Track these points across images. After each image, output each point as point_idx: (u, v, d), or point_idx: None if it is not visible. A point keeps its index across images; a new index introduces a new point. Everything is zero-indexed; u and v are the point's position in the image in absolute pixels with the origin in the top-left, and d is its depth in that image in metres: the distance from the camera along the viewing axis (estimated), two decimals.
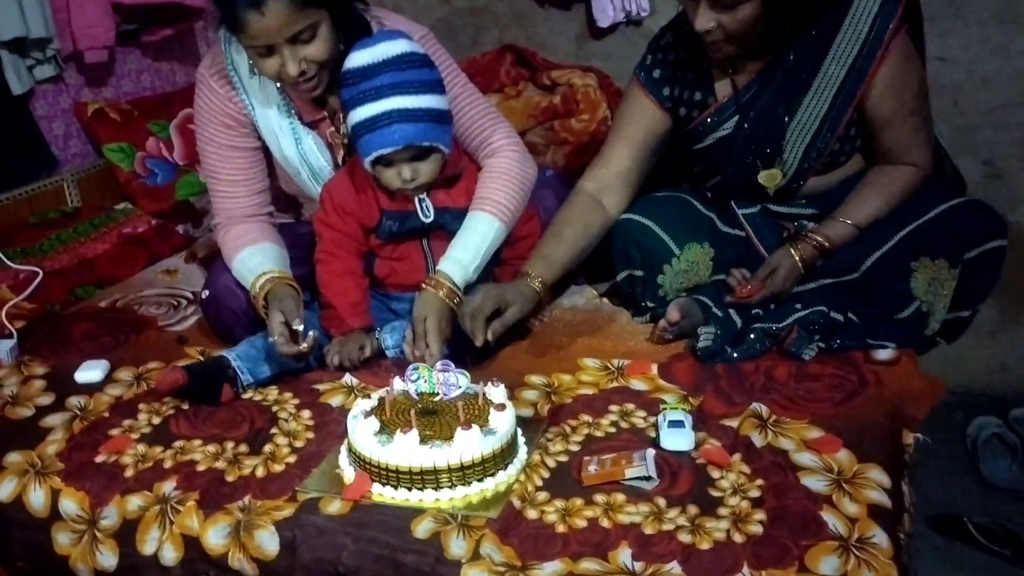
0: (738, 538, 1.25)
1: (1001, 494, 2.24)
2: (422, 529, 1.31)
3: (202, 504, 1.42)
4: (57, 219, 2.49)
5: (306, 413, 1.65)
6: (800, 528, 1.25)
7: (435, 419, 1.44)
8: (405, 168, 1.66)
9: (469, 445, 1.37)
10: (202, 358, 1.86)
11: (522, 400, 1.63)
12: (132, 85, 2.87)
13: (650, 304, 1.88)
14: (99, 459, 1.56)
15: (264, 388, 1.74)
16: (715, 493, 1.35)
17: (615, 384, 1.68)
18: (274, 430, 1.60)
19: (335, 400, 1.68)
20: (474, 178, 1.84)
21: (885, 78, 1.74)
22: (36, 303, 2.17)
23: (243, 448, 1.56)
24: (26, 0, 2.35)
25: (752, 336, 1.71)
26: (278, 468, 1.49)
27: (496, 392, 1.48)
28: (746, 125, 1.83)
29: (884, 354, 1.67)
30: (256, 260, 1.79)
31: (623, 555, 1.24)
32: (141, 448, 1.57)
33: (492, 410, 1.44)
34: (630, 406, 1.60)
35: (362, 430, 1.41)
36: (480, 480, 1.39)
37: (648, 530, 1.28)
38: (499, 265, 1.88)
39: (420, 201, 1.76)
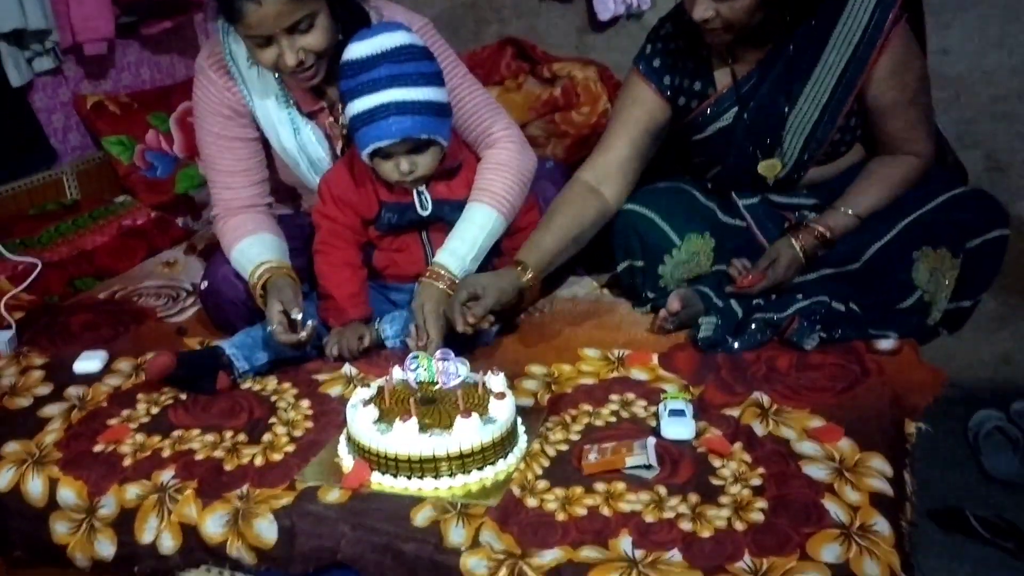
0: (739, 526, 1.24)
1: (1003, 487, 2.23)
2: (421, 517, 1.31)
3: (200, 493, 1.42)
4: (56, 211, 2.49)
5: (305, 403, 1.64)
6: (801, 516, 1.25)
7: (434, 408, 1.43)
8: (403, 161, 1.66)
9: (468, 433, 1.37)
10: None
11: (522, 390, 1.63)
12: (131, 78, 2.86)
13: (651, 295, 1.87)
14: (97, 448, 1.55)
15: (263, 378, 1.73)
16: (716, 481, 1.34)
17: (616, 374, 1.67)
18: (273, 419, 1.60)
19: (334, 390, 1.68)
20: (474, 170, 1.83)
21: (885, 67, 1.74)
22: (35, 294, 2.16)
23: (242, 437, 1.55)
24: None
25: (753, 326, 1.70)
26: (277, 457, 1.49)
27: (496, 381, 1.47)
28: (746, 115, 1.83)
29: (886, 344, 1.66)
30: (255, 250, 1.79)
31: (623, 543, 1.23)
32: (139, 437, 1.57)
33: (492, 399, 1.43)
34: (631, 396, 1.59)
35: (361, 419, 1.41)
36: (480, 469, 1.38)
37: (649, 518, 1.27)
38: (499, 256, 1.87)
39: (418, 194, 1.75)
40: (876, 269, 1.73)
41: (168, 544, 1.40)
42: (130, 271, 2.37)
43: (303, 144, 1.84)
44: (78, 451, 1.55)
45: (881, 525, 1.22)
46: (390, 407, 1.44)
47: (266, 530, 1.35)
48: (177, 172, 2.74)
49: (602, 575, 1.18)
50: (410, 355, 1.47)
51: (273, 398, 1.67)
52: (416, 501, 1.34)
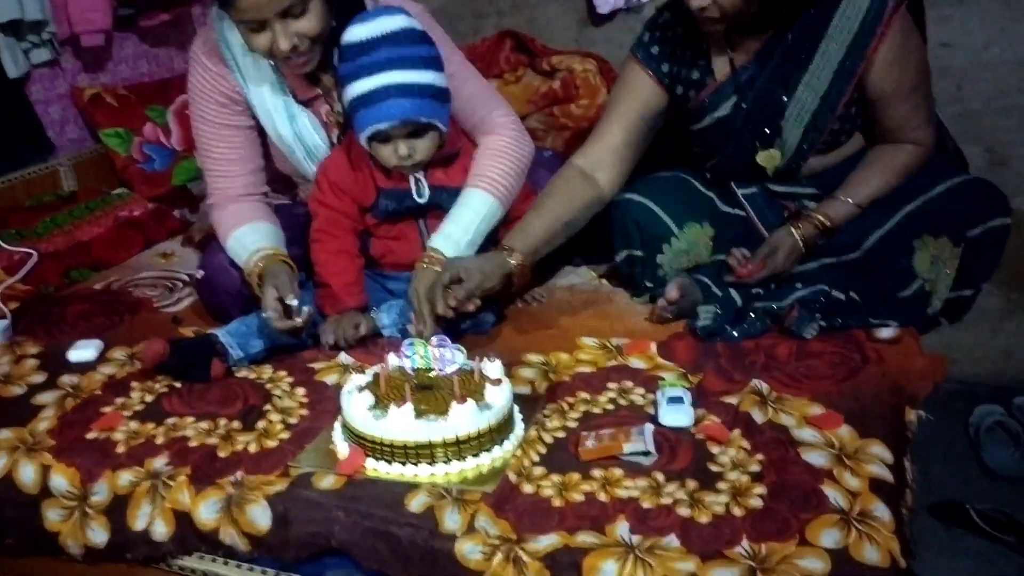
0: (737, 512, 1.23)
1: (1003, 482, 2.22)
2: (416, 503, 1.29)
3: (193, 479, 1.40)
4: (53, 202, 2.47)
5: (301, 391, 1.63)
6: (800, 502, 1.23)
7: (430, 394, 1.42)
8: (401, 144, 1.64)
9: (464, 419, 1.35)
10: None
11: (519, 378, 1.61)
12: (129, 71, 2.85)
13: (649, 284, 1.86)
14: (90, 436, 1.54)
15: (258, 366, 1.72)
16: (714, 468, 1.33)
17: (614, 362, 1.66)
18: (268, 407, 1.58)
19: (330, 378, 1.66)
20: (471, 156, 1.82)
21: (885, 56, 1.72)
22: (30, 285, 2.15)
23: (236, 424, 1.54)
24: None
25: (752, 315, 1.69)
26: (271, 444, 1.47)
27: (492, 367, 1.45)
28: (744, 105, 1.81)
29: (886, 332, 1.65)
30: (250, 238, 1.77)
31: (620, 528, 1.22)
32: (133, 425, 1.55)
33: (488, 385, 1.42)
34: (629, 384, 1.58)
35: (356, 405, 1.39)
36: (476, 455, 1.37)
37: (646, 504, 1.26)
38: (495, 245, 1.86)
39: (416, 181, 1.74)
40: (876, 258, 1.71)
41: (161, 531, 1.39)
42: (126, 262, 2.36)
43: (299, 132, 1.83)
44: (71, 438, 1.54)
45: (881, 511, 1.21)
46: (385, 393, 1.42)
47: (259, 516, 1.34)
48: (175, 165, 2.72)
49: (599, 560, 1.17)
50: (406, 341, 1.45)
51: (268, 386, 1.65)
52: (411, 487, 1.33)
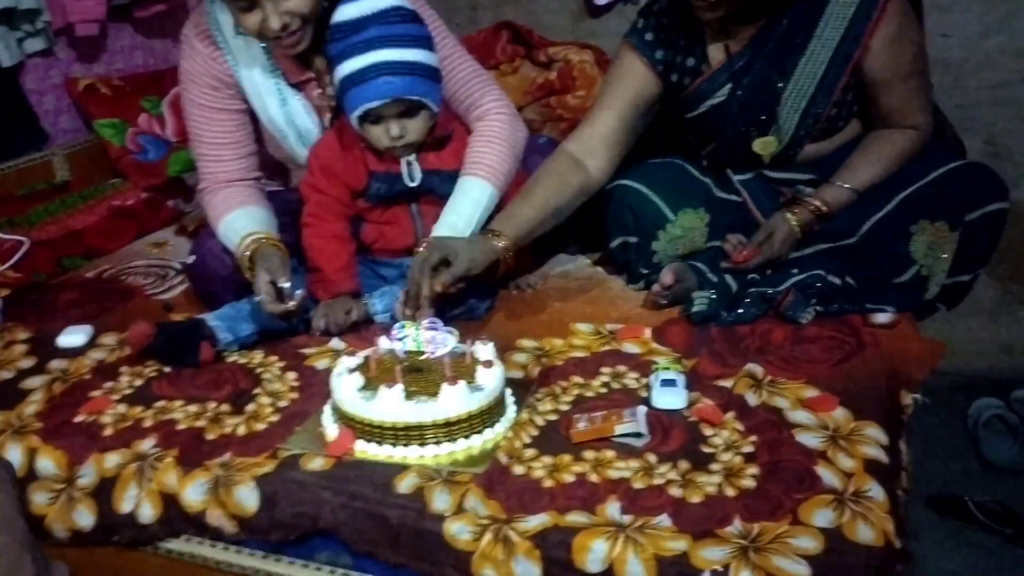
0: (730, 492, 1.21)
1: (1002, 474, 2.21)
2: (406, 484, 1.28)
3: (181, 461, 1.39)
4: (46, 190, 2.46)
5: (291, 375, 1.62)
6: (794, 482, 1.22)
7: (421, 375, 1.41)
8: (393, 124, 1.63)
9: (455, 401, 1.34)
10: None
11: (512, 363, 1.60)
12: (124, 61, 2.83)
13: (645, 271, 1.84)
14: (78, 419, 1.52)
15: (249, 351, 1.71)
16: (707, 449, 1.32)
17: (608, 347, 1.65)
18: (257, 390, 1.57)
19: (321, 363, 1.65)
20: (464, 141, 1.81)
21: (882, 40, 1.71)
22: (22, 272, 2.14)
23: (225, 408, 1.52)
24: None
25: (748, 300, 1.67)
26: (260, 427, 1.46)
27: (484, 350, 1.44)
28: (740, 92, 1.80)
29: (883, 318, 1.63)
30: (242, 222, 1.76)
31: (611, 508, 1.20)
32: (121, 408, 1.54)
33: (479, 367, 1.40)
34: (622, 368, 1.56)
35: (346, 386, 1.38)
36: (466, 437, 1.35)
37: (638, 484, 1.24)
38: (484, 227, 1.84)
39: (408, 164, 1.72)
40: (873, 243, 1.70)
41: (148, 513, 1.37)
42: (119, 251, 2.35)
43: (290, 115, 1.82)
44: (59, 422, 1.52)
45: (876, 491, 1.19)
46: (376, 375, 1.41)
47: (247, 498, 1.32)
48: (169, 156, 2.70)
49: (589, 539, 1.16)
50: (397, 324, 1.44)
51: (258, 370, 1.64)
52: (401, 469, 1.31)
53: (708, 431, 1.36)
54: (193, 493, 1.35)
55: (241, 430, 1.45)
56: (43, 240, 2.25)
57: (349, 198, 1.77)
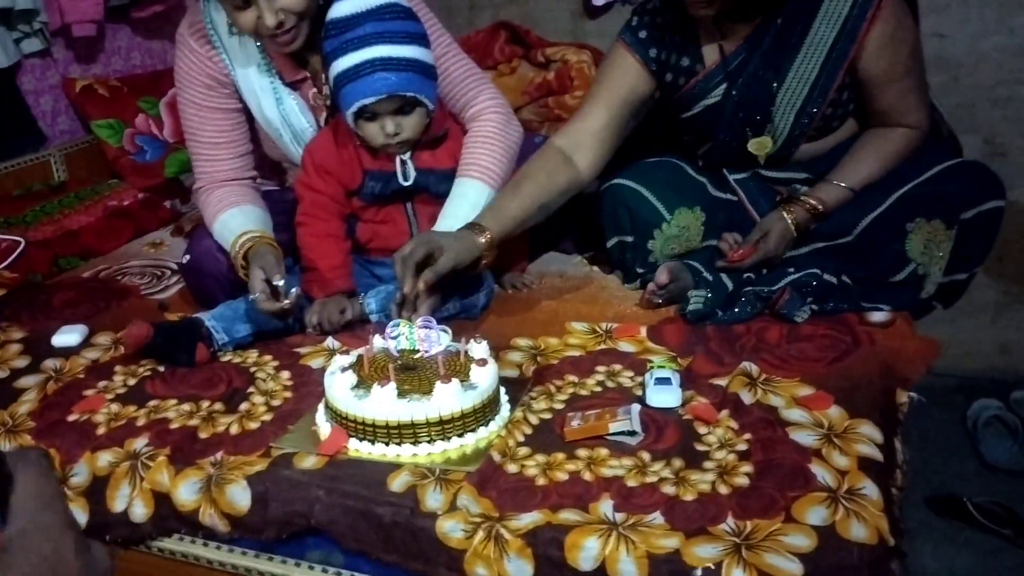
0: (723, 489, 1.21)
1: (1001, 475, 2.20)
2: (398, 483, 1.27)
3: (173, 460, 1.38)
4: (42, 191, 2.46)
5: (285, 374, 1.61)
6: (788, 480, 1.21)
7: (414, 374, 1.40)
8: (388, 121, 1.63)
9: (448, 399, 1.33)
10: None
11: (507, 362, 1.60)
12: (122, 62, 2.84)
13: (640, 270, 1.84)
14: (71, 418, 1.52)
15: (243, 351, 1.70)
16: (701, 447, 1.31)
17: (603, 346, 1.64)
18: (251, 389, 1.56)
19: (315, 362, 1.64)
20: (458, 140, 1.80)
21: (877, 39, 1.70)
22: (18, 272, 2.14)
23: (218, 407, 1.52)
24: None
25: (743, 299, 1.67)
26: (253, 425, 1.45)
27: (478, 348, 1.44)
28: (734, 92, 1.79)
29: (878, 316, 1.62)
30: (237, 221, 1.76)
31: (604, 506, 1.20)
32: (114, 407, 1.54)
33: (473, 365, 1.39)
34: (617, 366, 1.56)
35: (339, 384, 1.37)
36: (460, 435, 1.35)
37: (631, 482, 1.24)
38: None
39: (402, 163, 1.72)
40: (869, 241, 1.69)
41: (140, 512, 1.37)
42: (116, 251, 2.35)
43: (286, 114, 1.81)
44: (52, 420, 1.52)
45: (869, 489, 1.19)
46: (369, 374, 1.40)
47: (239, 496, 1.32)
48: (166, 157, 2.71)
49: (581, 537, 1.15)
50: (391, 323, 1.43)
51: (253, 369, 1.64)
52: (393, 467, 1.31)
53: (702, 429, 1.35)
54: (186, 492, 1.34)
55: (234, 429, 1.45)
56: (39, 240, 2.25)
57: (344, 197, 1.76)
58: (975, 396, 2.39)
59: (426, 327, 1.41)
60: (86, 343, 1.79)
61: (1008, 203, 1.72)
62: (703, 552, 1.11)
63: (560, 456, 1.31)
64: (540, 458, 1.31)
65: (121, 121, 2.67)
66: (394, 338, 1.42)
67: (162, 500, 1.36)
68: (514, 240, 1.77)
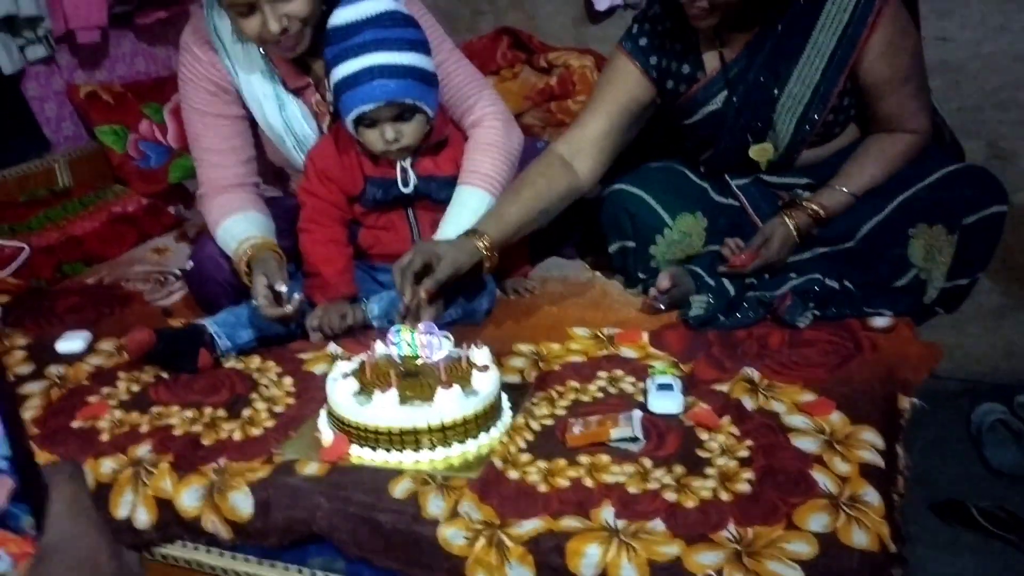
0: (725, 496, 1.21)
1: (1005, 480, 2.19)
2: (400, 489, 1.28)
3: (176, 466, 1.39)
4: (46, 197, 2.47)
5: (288, 380, 1.62)
6: (789, 486, 1.21)
7: (416, 380, 1.40)
8: (388, 128, 1.63)
9: (450, 405, 1.33)
10: None
11: (509, 367, 1.59)
12: (126, 68, 2.84)
13: (642, 275, 1.84)
14: (75, 424, 1.52)
15: (246, 356, 1.71)
16: (703, 454, 1.31)
17: (605, 352, 1.64)
18: (254, 396, 1.57)
19: (318, 368, 1.65)
20: (459, 146, 1.81)
21: (878, 45, 1.70)
22: (22, 279, 2.14)
23: (221, 413, 1.52)
24: None
25: (745, 304, 1.67)
26: (256, 432, 1.46)
27: (480, 354, 1.44)
28: (735, 99, 1.79)
29: (881, 321, 1.62)
30: (240, 227, 1.76)
31: (606, 513, 1.20)
32: (118, 414, 1.54)
33: (475, 372, 1.40)
34: (619, 372, 1.56)
35: (341, 391, 1.38)
36: (461, 442, 1.35)
37: (632, 489, 1.24)
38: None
39: (403, 170, 1.72)
40: (871, 247, 1.69)
41: (143, 518, 1.37)
42: (119, 257, 2.36)
43: (288, 120, 1.82)
44: (56, 427, 1.52)
45: (871, 496, 1.19)
46: (371, 380, 1.41)
47: (241, 503, 1.32)
48: (171, 162, 2.71)
49: (582, 544, 1.15)
50: (392, 329, 1.44)
51: (255, 375, 1.64)
52: (395, 474, 1.31)
53: (704, 435, 1.35)
54: (188, 498, 1.35)
55: (237, 435, 1.45)
56: (43, 246, 2.26)
57: (345, 203, 1.77)
58: (979, 400, 2.38)
59: (428, 333, 1.41)
60: (90, 349, 1.79)
61: (1011, 207, 1.71)
62: (704, 559, 1.11)
63: (562, 462, 1.31)
64: (542, 464, 1.31)
65: (125, 127, 2.68)
66: (396, 344, 1.43)
67: (165, 507, 1.36)
68: (516, 245, 1.77)
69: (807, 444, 1.30)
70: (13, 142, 2.50)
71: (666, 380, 1.45)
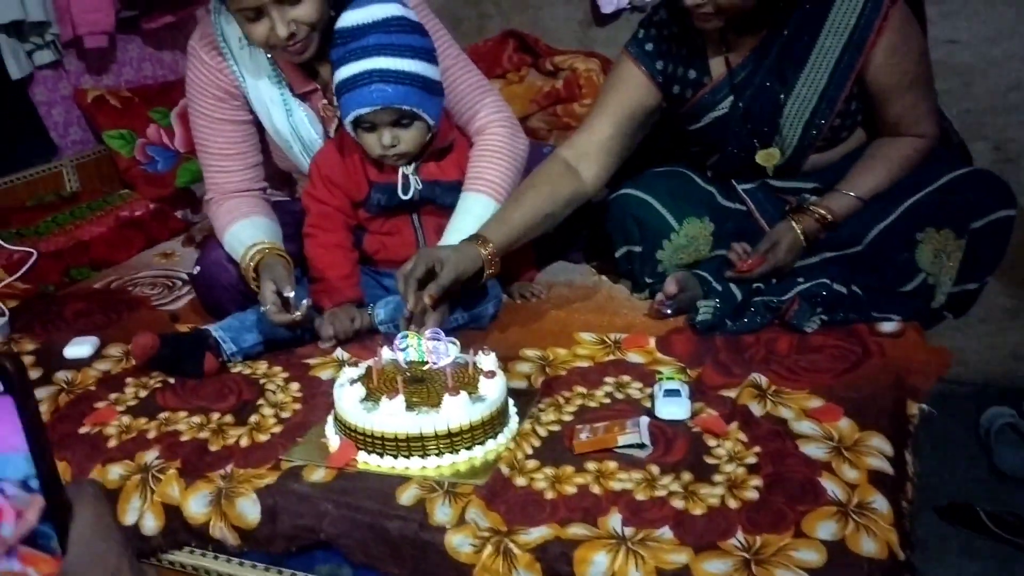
0: (733, 504, 1.20)
1: (1014, 483, 2.18)
2: (407, 496, 1.27)
3: (184, 472, 1.39)
4: (54, 202, 2.48)
5: (295, 385, 1.62)
6: (797, 494, 1.21)
7: (423, 386, 1.40)
8: (386, 133, 1.63)
9: (457, 411, 1.33)
10: None
11: (516, 373, 1.59)
12: (133, 73, 2.85)
13: (649, 280, 1.84)
14: (83, 430, 1.53)
15: (253, 362, 1.71)
16: (711, 460, 1.31)
17: (611, 357, 1.64)
18: (261, 401, 1.57)
19: (325, 373, 1.65)
20: (464, 152, 1.81)
21: (884, 49, 1.69)
22: (30, 283, 2.15)
23: (228, 419, 1.52)
24: None
25: (752, 309, 1.67)
26: (263, 438, 1.46)
27: (487, 360, 1.44)
28: (741, 104, 1.79)
29: (889, 326, 1.62)
30: (247, 233, 1.77)
31: (613, 520, 1.20)
32: (126, 420, 1.54)
33: (482, 377, 1.40)
34: (626, 378, 1.56)
35: (348, 397, 1.38)
36: (468, 448, 1.35)
37: (640, 496, 1.23)
38: None
39: (404, 176, 1.72)
40: (879, 251, 1.68)
41: (151, 525, 1.37)
42: (127, 262, 2.36)
43: (295, 126, 1.82)
44: (63, 433, 1.52)
45: (880, 503, 1.18)
46: (378, 386, 1.41)
47: (249, 509, 1.32)
48: (178, 167, 2.72)
49: (590, 552, 1.15)
50: (399, 335, 1.44)
51: (262, 381, 1.64)
52: (402, 480, 1.31)
53: (712, 442, 1.35)
54: (196, 504, 1.35)
55: (244, 441, 1.45)
56: (51, 251, 2.26)
57: (350, 208, 1.77)
58: (987, 404, 2.38)
59: (434, 339, 1.41)
60: (97, 355, 1.79)
61: (1019, 211, 1.71)
62: (712, 567, 1.10)
63: (569, 469, 1.31)
64: (549, 471, 1.31)
65: (132, 132, 2.69)
66: (402, 350, 1.43)
67: (172, 513, 1.36)
68: (521, 250, 1.77)
69: (815, 451, 1.30)
70: (21, 147, 2.51)
71: (673, 386, 1.45)
